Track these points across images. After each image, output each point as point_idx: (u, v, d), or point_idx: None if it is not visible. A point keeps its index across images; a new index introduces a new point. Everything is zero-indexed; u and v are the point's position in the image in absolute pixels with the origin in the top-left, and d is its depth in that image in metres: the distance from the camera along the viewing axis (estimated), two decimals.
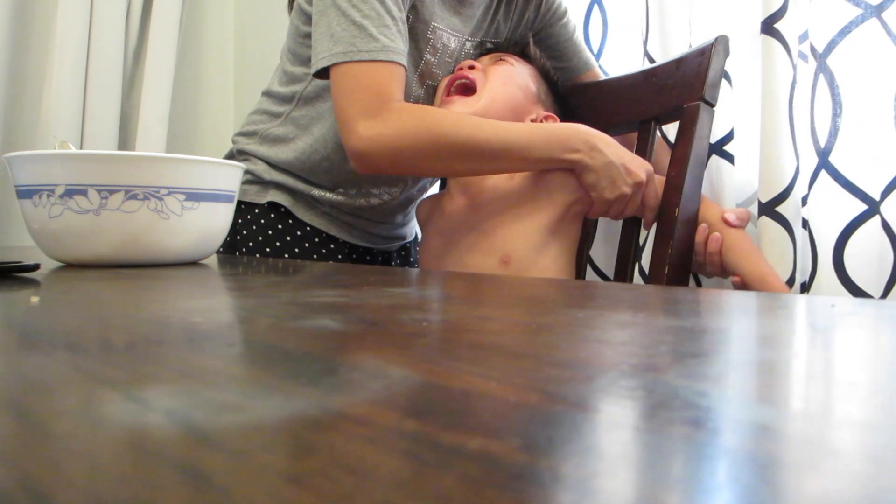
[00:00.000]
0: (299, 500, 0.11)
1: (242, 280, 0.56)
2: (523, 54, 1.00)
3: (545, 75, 1.00)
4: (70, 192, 0.57)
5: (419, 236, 1.15)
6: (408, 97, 0.94)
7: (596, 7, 1.20)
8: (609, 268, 1.09)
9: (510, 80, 0.94)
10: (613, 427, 0.16)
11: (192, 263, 0.66)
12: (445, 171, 0.96)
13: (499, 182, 0.91)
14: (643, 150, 0.92)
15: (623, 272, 0.93)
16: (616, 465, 0.13)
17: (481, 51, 1.01)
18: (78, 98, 1.49)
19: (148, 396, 0.17)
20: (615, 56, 1.18)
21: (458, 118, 0.83)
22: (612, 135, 1.02)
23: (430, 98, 0.98)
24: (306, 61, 0.94)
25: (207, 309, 0.36)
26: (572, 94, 1.02)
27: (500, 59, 0.97)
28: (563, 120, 0.99)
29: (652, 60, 1.06)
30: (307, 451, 0.14)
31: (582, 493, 0.12)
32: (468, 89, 0.93)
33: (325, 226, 1.00)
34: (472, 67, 0.95)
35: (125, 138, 1.60)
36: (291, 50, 0.98)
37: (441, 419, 0.16)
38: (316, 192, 0.98)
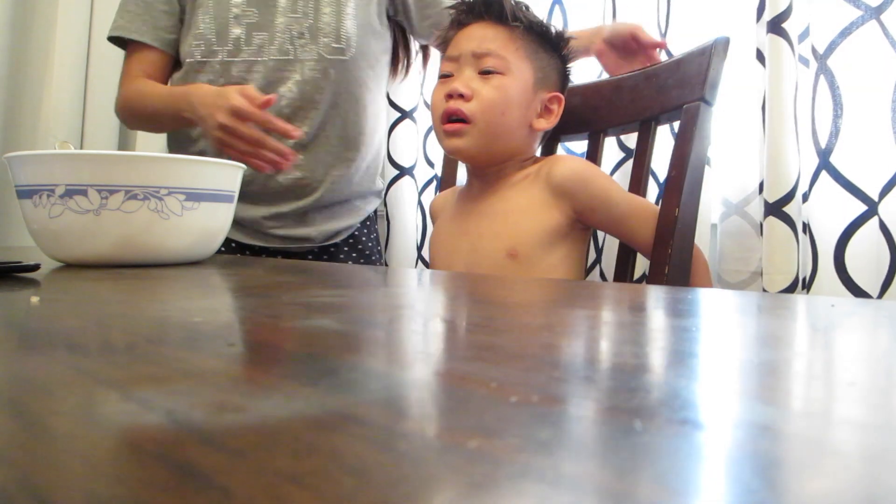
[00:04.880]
0: (299, 500, 0.11)
1: (242, 280, 0.56)
2: (500, 19, 0.88)
3: (530, 30, 0.89)
4: (70, 192, 0.57)
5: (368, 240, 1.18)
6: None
7: (557, 7, 1.20)
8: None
9: (506, 104, 0.86)
10: (613, 427, 0.16)
11: (192, 263, 0.66)
12: (145, 128, 1.25)
13: (513, 177, 0.90)
14: (643, 150, 0.92)
15: (623, 272, 0.93)
16: (616, 465, 0.13)
17: (459, 51, 0.89)
18: (78, 98, 1.49)
19: (148, 396, 0.17)
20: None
21: (135, 92, 1.09)
22: (611, 135, 1.02)
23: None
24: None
25: (207, 309, 0.36)
26: (573, 95, 1.01)
27: (487, 73, 0.87)
28: (564, 114, 0.93)
29: None
30: (307, 451, 0.14)
31: (582, 493, 0.12)
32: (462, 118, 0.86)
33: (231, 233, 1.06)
34: (461, 96, 0.86)
35: (125, 138, 1.59)
36: None
37: (441, 419, 0.16)
38: None
